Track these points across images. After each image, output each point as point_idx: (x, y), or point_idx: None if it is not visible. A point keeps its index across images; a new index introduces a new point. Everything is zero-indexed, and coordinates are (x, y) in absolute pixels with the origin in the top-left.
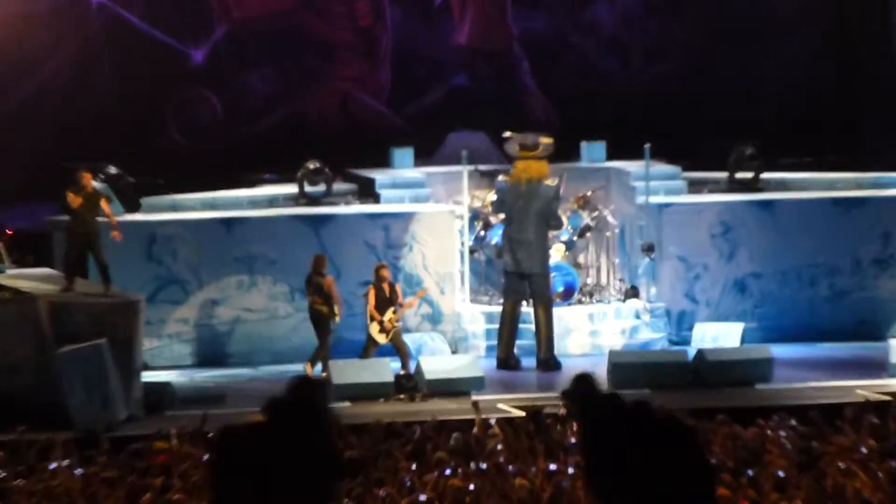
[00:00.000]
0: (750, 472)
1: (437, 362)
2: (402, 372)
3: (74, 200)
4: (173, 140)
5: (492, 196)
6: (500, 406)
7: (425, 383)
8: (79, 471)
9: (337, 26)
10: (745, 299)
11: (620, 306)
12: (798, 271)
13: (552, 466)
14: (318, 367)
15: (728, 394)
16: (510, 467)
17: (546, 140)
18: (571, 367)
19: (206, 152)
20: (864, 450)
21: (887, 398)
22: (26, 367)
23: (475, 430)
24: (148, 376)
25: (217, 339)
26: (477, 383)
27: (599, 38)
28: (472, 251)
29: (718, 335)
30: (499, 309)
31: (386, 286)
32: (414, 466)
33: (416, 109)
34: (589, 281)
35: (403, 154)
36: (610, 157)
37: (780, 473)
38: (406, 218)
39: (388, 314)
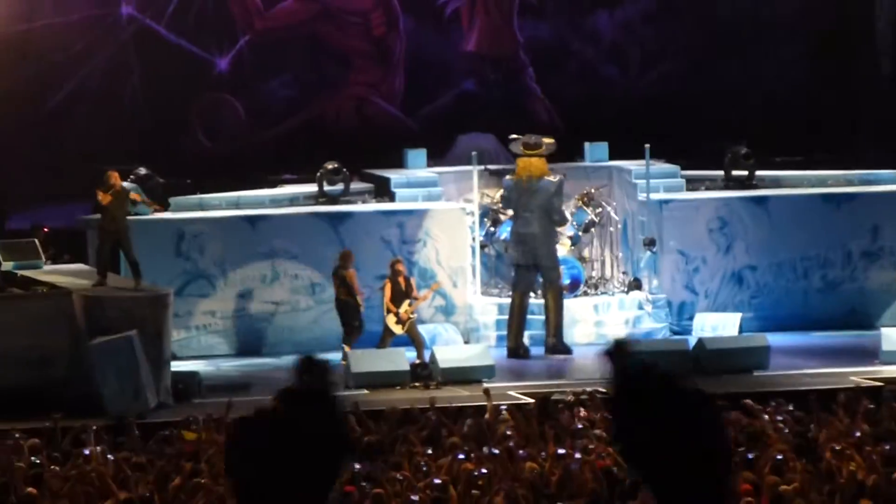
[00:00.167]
0: (749, 456)
1: (450, 352)
2: (417, 361)
3: (104, 198)
4: (199, 143)
5: (500, 193)
6: (511, 393)
7: (439, 372)
8: (111, 456)
9: (353, 35)
10: (742, 290)
11: (624, 298)
12: (792, 264)
13: (560, 451)
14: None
15: (727, 380)
16: (521, 451)
17: (548, 140)
18: (577, 355)
19: (230, 154)
20: (857, 434)
21: (879, 384)
22: (61, 358)
23: (487, 416)
24: (176, 366)
25: (242, 331)
26: (488, 371)
27: (600, 45)
28: (482, 246)
29: (717, 325)
30: (507, 301)
31: (401, 280)
32: (429, 451)
33: (428, 113)
34: (594, 274)
35: (416, 155)
36: (612, 156)
37: (778, 457)
38: (420, 215)
39: (404, 306)
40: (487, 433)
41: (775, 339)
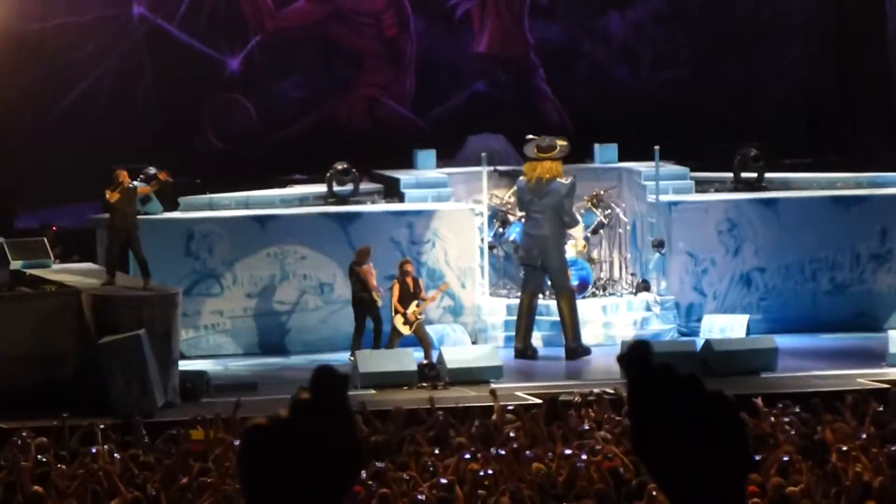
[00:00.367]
0: (756, 457)
1: (458, 352)
2: (424, 361)
3: (112, 196)
4: (210, 143)
5: (510, 194)
6: (518, 394)
7: (447, 372)
8: (118, 455)
9: (364, 36)
10: (751, 292)
11: (632, 299)
12: (800, 266)
13: (567, 451)
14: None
15: (734, 382)
16: (527, 452)
17: (562, 142)
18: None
19: (240, 154)
20: (864, 435)
21: (886, 386)
22: (69, 357)
23: (494, 416)
24: (185, 365)
25: (250, 330)
26: (496, 372)
27: (611, 47)
28: (491, 247)
29: (725, 326)
30: (516, 301)
31: (410, 280)
32: (436, 451)
33: (439, 114)
34: (602, 275)
35: (426, 156)
36: (622, 158)
37: (785, 458)
38: (429, 216)
39: (412, 307)
40: (494, 434)
41: (783, 340)
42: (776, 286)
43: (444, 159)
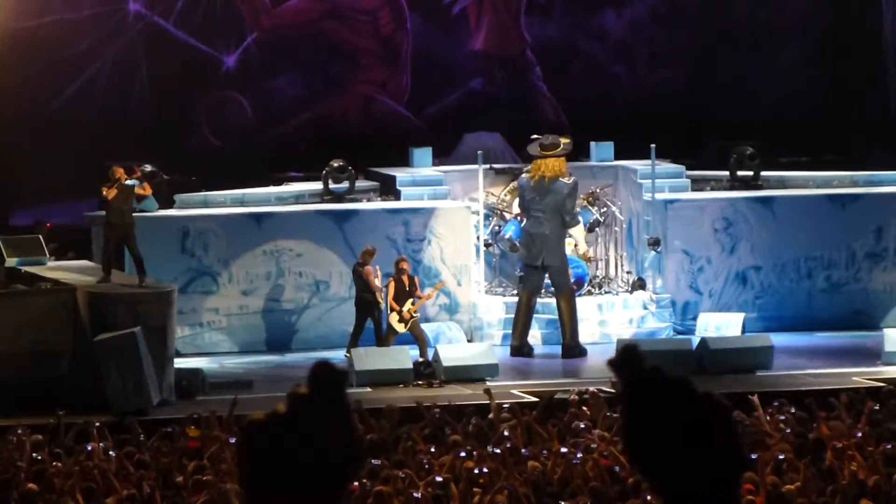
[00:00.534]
0: (752, 456)
1: (453, 350)
2: (420, 359)
3: (109, 193)
4: (206, 140)
5: (505, 192)
6: (514, 392)
7: (442, 370)
8: (113, 453)
9: (360, 34)
10: (746, 290)
11: (628, 297)
12: (796, 264)
13: (563, 449)
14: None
15: (730, 380)
16: (523, 450)
17: (564, 140)
18: (589, 354)
19: (236, 152)
20: (859, 434)
21: (881, 385)
22: (65, 354)
23: (491, 415)
24: (180, 363)
25: (246, 328)
26: (492, 370)
27: (607, 45)
28: (486, 245)
29: (721, 324)
30: (512, 299)
31: (405, 278)
32: (432, 449)
33: (435, 111)
34: (598, 273)
35: (422, 153)
36: (618, 156)
37: (780, 457)
38: (425, 213)
39: (408, 305)
40: (490, 432)
41: (779, 339)
42: (772, 284)
43: (440, 157)
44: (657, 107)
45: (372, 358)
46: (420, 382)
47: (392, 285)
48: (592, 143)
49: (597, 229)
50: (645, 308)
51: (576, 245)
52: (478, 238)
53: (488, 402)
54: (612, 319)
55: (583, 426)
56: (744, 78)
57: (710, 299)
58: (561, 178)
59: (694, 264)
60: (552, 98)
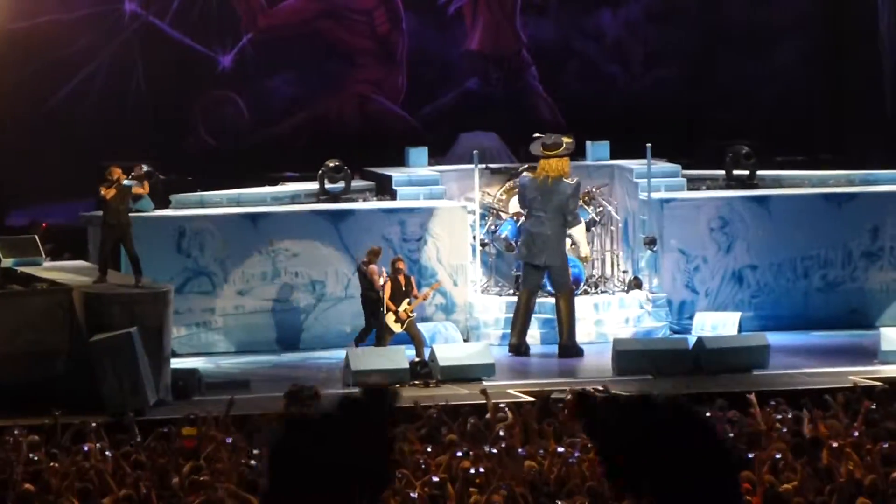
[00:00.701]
0: (748, 455)
1: (450, 350)
2: (416, 359)
3: (107, 192)
4: (202, 140)
5: (502, 192)
6: (511, 392)
7: (439, 370)
8: (109, 453)
9: (356, 33)
10: (743, 290)
11: (624, 296)
12: (792, 263)
13: (560, 449)
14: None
15: (727, 380)
16: (520, 450)
17: (567, 139)
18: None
19: (232, 152)
20: (856, 434)
21: (878, 384)
22: (61, 354)
23: (488, 415)
24: (176, 363)
25: (242, 328)
26: (488, 370)
27: (603, 44)
28: (483, 245)
29: (717, 324)
30: (508, 299)
31: (401, 278)
32: (428, 449)
33: (431, 111)
34: (594, 272)
35: (418, 153)
36: (613, 155)
37: (777, 456)
38: (421, 213)
39: (404, 305)
40: (486, 432)
41: (775, 338)
42: (768, 283)
43: (435, 157)
44: (653, 106)
45: (368, 358)
46: (416, 382)
47: (388, 285)
48: (588, 143)
49: (593, 229)
50: (641, 307)
51: (572, 245)
52: (474, 238)
53: (485, 401)
54: (608, 319)
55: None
56: (740, 77)
57: (707, 298)
58: (564, 179)
59: (690, 263)
60: (548, 98)
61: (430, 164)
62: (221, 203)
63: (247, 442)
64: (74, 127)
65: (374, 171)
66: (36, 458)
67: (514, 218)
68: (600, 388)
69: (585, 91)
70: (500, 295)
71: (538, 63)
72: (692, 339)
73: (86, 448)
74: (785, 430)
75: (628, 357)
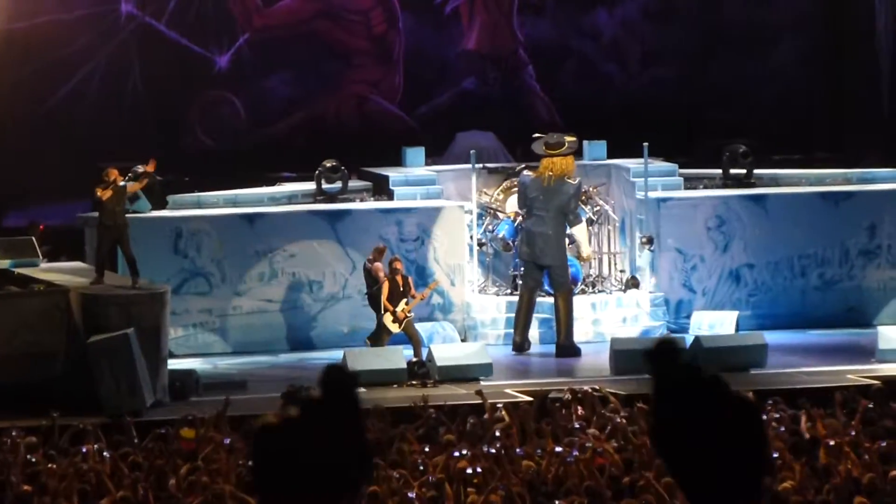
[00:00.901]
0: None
1: (447, 350)
2: (414, 359)
3: (104, 194)
4: (198, 140)
5: (499, 191)
6: (508, 391)
7: (436, 370)
8: (107, 454)
9: (353, 33)
10: (740, 288)
11: (621, 296)
12: (789, 262)
13: (558, 448)
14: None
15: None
16: (517, 450)
17: (570, 138)
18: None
19: (229, 152)
20: (853, 432)
21: (876, 383)
22: (58, 355)
23: (486, 415)
24: (174, 364)
25: (239, 329)
26: (485, 370)
27: (600, 43)
28: (480, 244)
29: (714, 323)
30: (506, 299)
31: (399, 278)
32: (426, 449)
33: (428, 111)
34: (591, 272)
35: (415, 153)
36: (610, 155)
37: (774, 455)
38: (418, 213)
39: (401, 305)
40: (483, 432)
41: (772, 337)
42: (765, 282)
43: (432, 157)
44: (650, 105)
45: (365, 358)
46: (414, 382)
47: (386, 285)
48: (585, 142)
49: (590, 228)
50: (638, 307)
51: (571, 244)
52: (471, 237)
53: (482, 402)
54: (605, 318)
55: (577, 425)
56: (737, 77)
57: (704, 297)
58: (567, 179)
59: (687, 262)
60: (545, 97)
61: (427, 163)
62: (218, 203)
63: (244, 443)
64: (72, 127)
65: (371, 171)
66: (34, 460)
67: (512, 217)
68: (597, 388)
69: (582, 90)
70: (498, 295)
71: (535, 62)
72: (689, 339)
73: (84, 449)
74: (783, 429)
75: (626, 356)
